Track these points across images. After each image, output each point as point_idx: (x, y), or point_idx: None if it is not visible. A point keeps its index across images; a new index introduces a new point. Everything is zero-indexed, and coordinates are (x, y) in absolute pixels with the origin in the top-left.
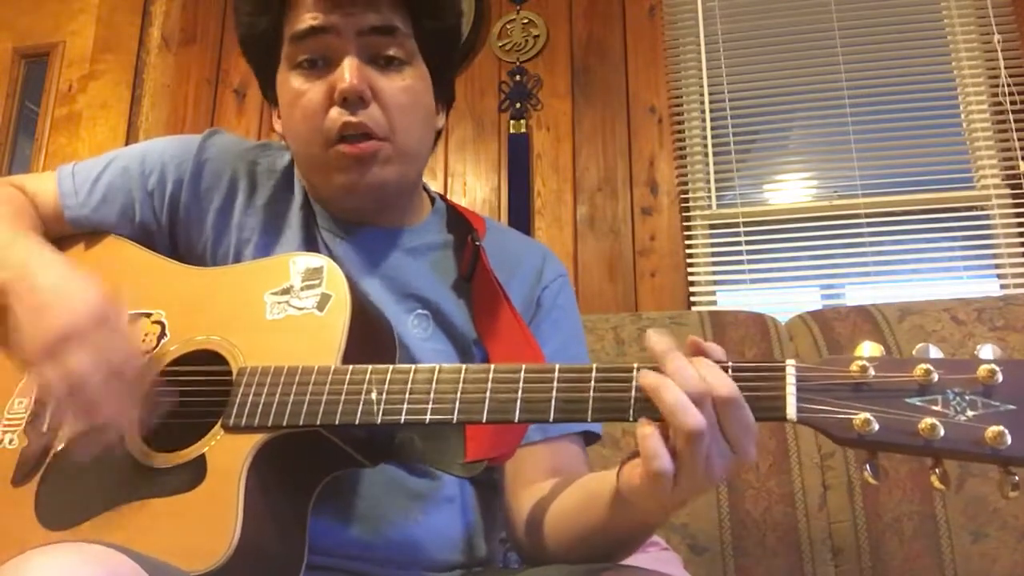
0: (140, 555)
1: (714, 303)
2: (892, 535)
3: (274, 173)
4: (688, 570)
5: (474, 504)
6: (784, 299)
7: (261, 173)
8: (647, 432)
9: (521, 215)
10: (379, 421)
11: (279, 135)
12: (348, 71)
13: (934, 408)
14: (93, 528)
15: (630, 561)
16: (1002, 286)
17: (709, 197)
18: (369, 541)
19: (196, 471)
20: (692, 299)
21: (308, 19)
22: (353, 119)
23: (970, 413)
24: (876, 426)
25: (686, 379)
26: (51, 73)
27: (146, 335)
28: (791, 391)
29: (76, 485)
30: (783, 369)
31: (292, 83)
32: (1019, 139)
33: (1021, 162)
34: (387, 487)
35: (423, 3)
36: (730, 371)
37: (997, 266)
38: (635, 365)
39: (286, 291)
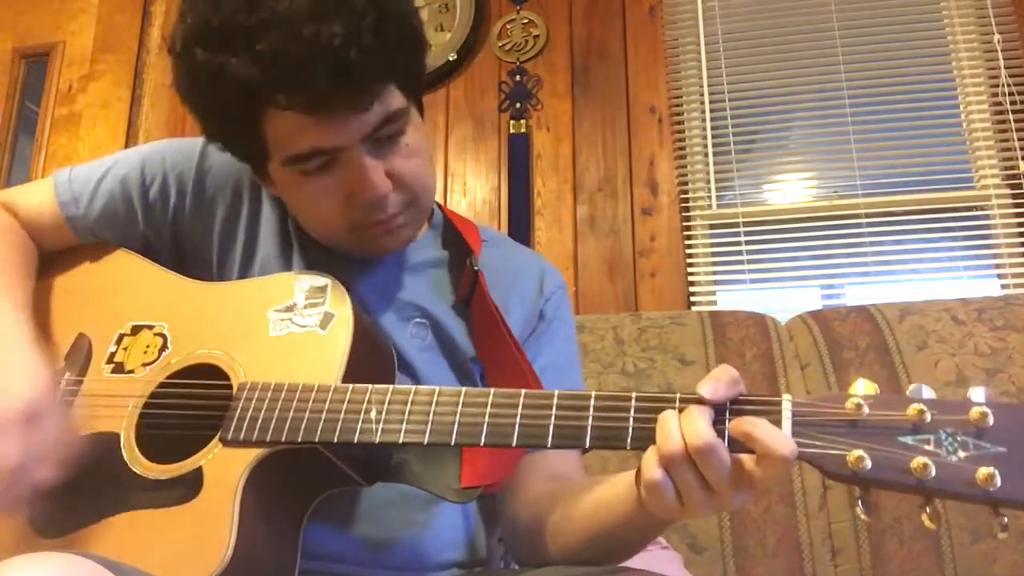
0: (120, 565)
1: (714, 303)
2: (892, 535)
3: None
4: (688, 570)
5: (473, 503)
6: (784, 299)
7: None
8: (647, 454)
9: (521, 215)
10: (377, 440)
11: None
12: (372, 178)
13: (926, 447)
14: (85, 537)
15: (630, 561)
16: (1002, 286)
17: (709, 197)
18: (367, 545)
19: (192, 483)
20: (692, 299)
21: (308, 140)
22: (381, 217)
23: (961, 454)
24: (869, 463)
25: (666, 439)
26: (51, 73)
27: (148, 347)
28: (787, 426)
29: (71, 494)
30: (779, 404)
31: (298, 185)
32: (1019, 139)
33: (1021, 162)
34: (384, 489)
35: (407, 64)
36: (728, 405)
37: (997, 266)
38: (632, 394)
39: (289, 308)
